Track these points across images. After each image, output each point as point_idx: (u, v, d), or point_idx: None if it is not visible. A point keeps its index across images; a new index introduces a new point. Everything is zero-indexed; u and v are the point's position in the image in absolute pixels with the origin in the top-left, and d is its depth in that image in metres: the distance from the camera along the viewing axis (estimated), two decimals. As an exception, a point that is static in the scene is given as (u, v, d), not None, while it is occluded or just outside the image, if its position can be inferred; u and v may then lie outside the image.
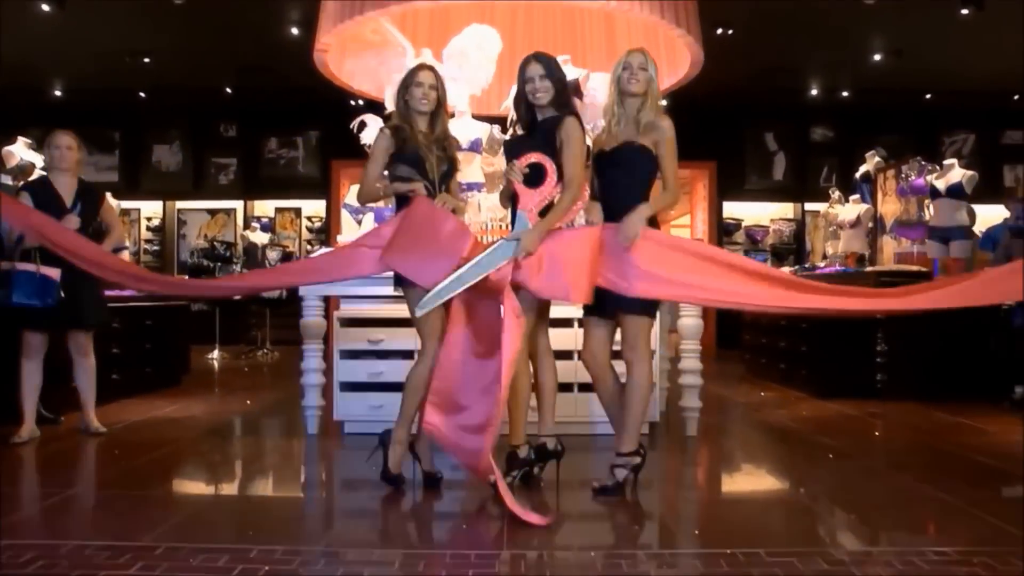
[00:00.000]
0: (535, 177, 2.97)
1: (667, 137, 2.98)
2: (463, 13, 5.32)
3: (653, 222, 2.90)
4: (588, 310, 3.04)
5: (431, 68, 3.17)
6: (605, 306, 2.98)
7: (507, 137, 4.81)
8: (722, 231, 10.81)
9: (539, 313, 2.96)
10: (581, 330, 4.03)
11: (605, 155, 3.01)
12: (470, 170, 4.77)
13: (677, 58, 5.05)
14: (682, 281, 2.84)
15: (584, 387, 4.07)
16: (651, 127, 2.99)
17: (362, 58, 5.24)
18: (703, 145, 9.94)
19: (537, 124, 3.06)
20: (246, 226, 10.44)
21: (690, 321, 4.13)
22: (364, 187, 3.12)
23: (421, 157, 3.06)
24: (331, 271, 3.20)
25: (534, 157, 2.96)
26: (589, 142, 3.25)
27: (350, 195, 5.33)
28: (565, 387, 3.94)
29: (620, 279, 2.84)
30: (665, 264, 2.83)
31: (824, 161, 10.88)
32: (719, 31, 7.89)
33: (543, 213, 2.93)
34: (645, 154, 2.99)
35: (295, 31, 8.16)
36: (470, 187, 4.71)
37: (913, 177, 7.26)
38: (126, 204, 10.39)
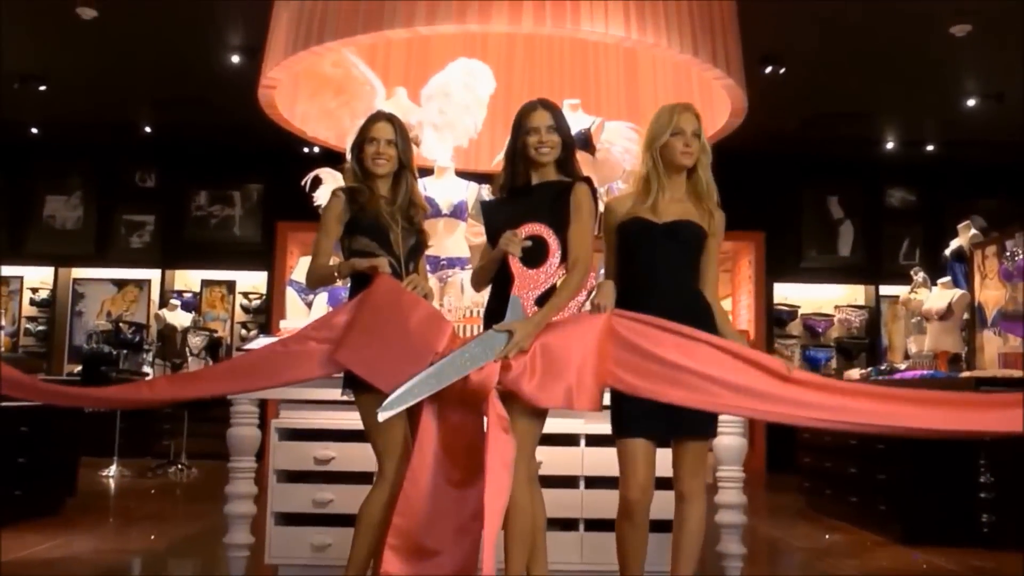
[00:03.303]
0: (534, 254, 3.02)
1: (720, 235, 3.17)
2: (448, 45, 5.40)
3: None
4: (629, 428, 3.01)
5: (390, 119, 3.24)
6: (656, 422, 2.97)
7: (487, 197, 4.80)
8: (773, 320, 10.77)
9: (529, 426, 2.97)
10: (588, 449, 3.93)
11: (651, 226, 3.11)
12: (452, 241, 4.81)
13: (714, 103, 5.14)
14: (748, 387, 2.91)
15: (595, 525, 4.00)
16: (707, 215, 3.16)
17: (319, 98, 5.34)
18: (748, 210, 9.73)
19: (533, 188, 3.13)
20: (163, 303, 10.42)
21: (732, 441, 3.90)
22: (314, 266, 3.17)
23: (383, 227, 3.12)
24: (266, 374, 3.15)
25: (536, 228, 3.04)
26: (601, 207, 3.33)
27: (299, 269, 5.36)
28: (567, 524, 3.87)
29: (674, 386, 2.89)
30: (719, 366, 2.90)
31: (904, 233, 10.69)
32: (768, 69, 8.01)
33: (541, 301, 2.99)
34: (702, 234, 3.13)
35: (236, 59, 8.12)
36: (451, 263, 4.76)
37: (1021, 255, 7.27)
38: (5, 270, 10.33)
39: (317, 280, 3.23)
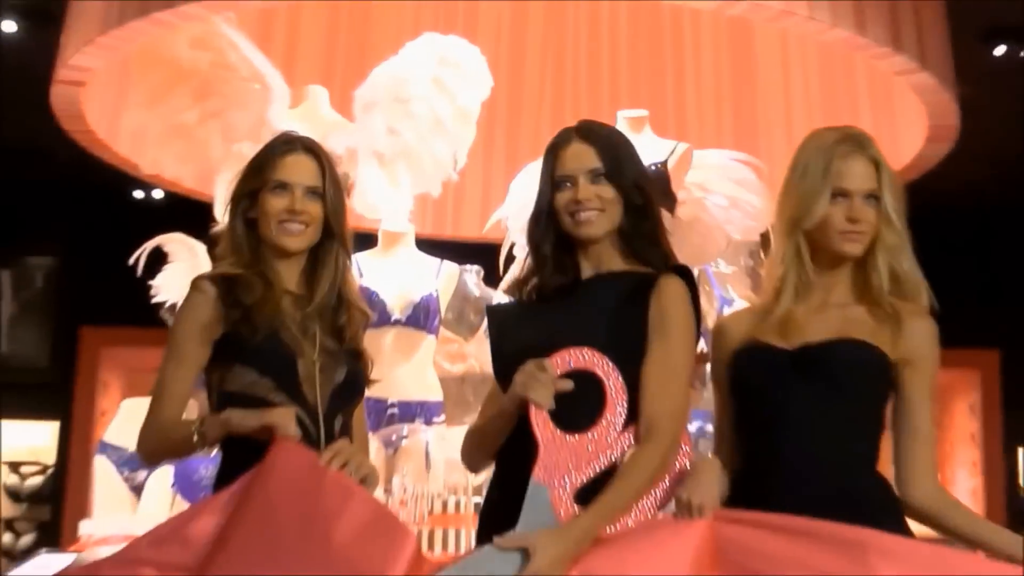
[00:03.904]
0: (577, 405, 2.97)
1: (928, 362, 3.14)
2: (403, 11, 5.55)
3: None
4: None
5: (312, 148, 3.29)
6: None
7: (499, 295, 4.87)
8: (1019, 514, 10.93)
9: None
10: None
11: (774, 354, 3.13)
12: (409, 371, 4.88)
13: (897, 119, 5.20)
14: None
15: None
16: (890, 326, 3.07)
17: (166, 103, 5.36)
18: (965, 313, 9.64)
19: (580, 285, 3.18)
20: None
21: None
22: (156, 419, 3.13)
23: (287, 350, 3.14)
24: None
25: (582, 359, 3.04)
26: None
27: (121, 422, 5.40)
28: None
29: None
30: None
31: None
32: (999, 49, 7.80)
33: (588, 493, 2.94)
34: (880, 363, 3.10)
35: (7, 27, 8.14)
36: (409, 411, 4.84)
37: None
38: None
39: (160, 446, 3.11)
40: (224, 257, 3.21)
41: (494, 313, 3.47)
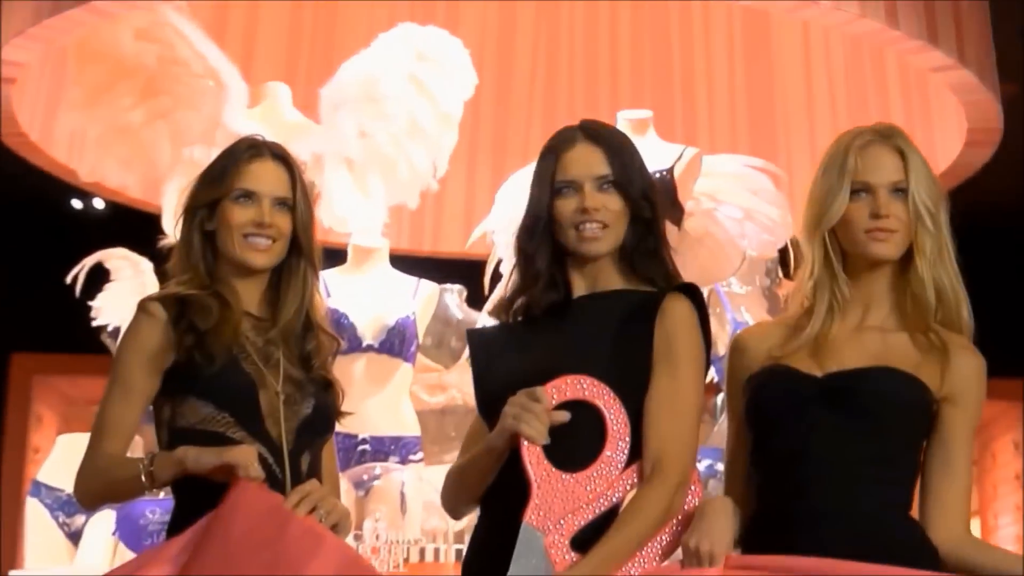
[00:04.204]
0: (574, 440, 2.97)
1: (972, 400, 3.06)
2: (380, 3, 5.57)
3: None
4: None
5: (281, 155, 3.30)
6: None
7: (484, 317, 4.89)
8: None
9: None
10: None
11: (800, 381, 3.11)
12: (381, 404, 4.89)
13: (934, 121, 5.23)
14: None
15: None
16: (947, 353, 2.99)
17: (107, 101, 5.36)
18: (1008, 341, 10.06)
19: (575, 306, 3.17)
20: None
21: None
22: (98, 457, 3.12)
23: (246, 380, 3.14)
24: None
25: (579, 388, 3.06)
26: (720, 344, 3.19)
27: (56, 460, 5.42)
28: None
29: None
30: None
31: None
32: None
33: (585, 539, 2.99)
34: (922, 398, 3.09)
35: None
36: (382, 449, 4.85)
37: None
38: None
39: (102, 487, 3.10)
40: (176, 275, 3.19)
41: (476, 338, 3.44)
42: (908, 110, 5.17)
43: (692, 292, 3.07)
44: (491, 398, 3.08)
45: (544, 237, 3.12)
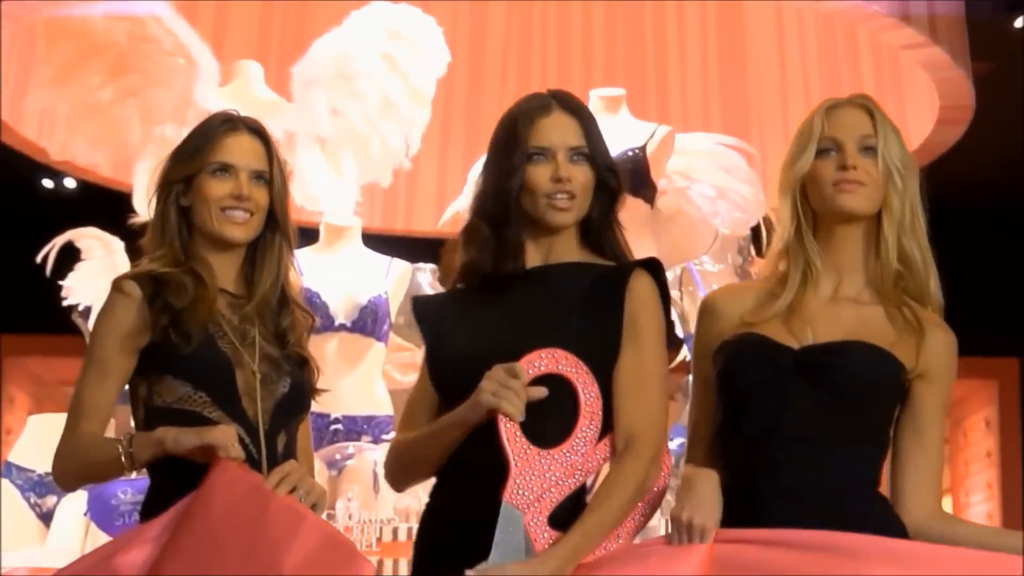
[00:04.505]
0: (548, 416, 2.93)
1: (944, 376, 3.07)
2: None
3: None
4: None
5: (257, 129, 3.28)
6: None
7: (431, 286, 4.92)
8: None
9: None
10: None
11: (777, 352, 3.10)
12: (354, 383, 4.90)
13: (906, 100, 5.25)
14: None
15: None
16: (921, 331, 3.00)
17: (77, 79, 5.36)
18: (984, 319, 10.06)
19: (537, 275, 3.14)
20: None
21: None
22: (74, 437, 3.10)
23: (223, 359, 3.12)
24: None
25: (554, 361, 2.98)
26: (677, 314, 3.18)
27: (28, 440, 5.44)
28: None
29: None
30: None
31: None
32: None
33: (565, 517, 2.98)
34: (897, 376, 3.10)
35: None
36: (354, 427, 4.85)
37: None
38: None
39: (80, 468, 3.08)
40: (150, 251, 3.18)
41: (423, 306, 3.39)
42: (881, 87, 5.19)
43: (655, 268, 3.08)
44: (448, 369, 3.07)
45: (514, 203, 3.10)
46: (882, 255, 3.11)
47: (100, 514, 4.67)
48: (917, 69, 4.93)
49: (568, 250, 3.12)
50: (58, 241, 5.12)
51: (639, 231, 4.80)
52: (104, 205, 5.41)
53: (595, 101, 4.96)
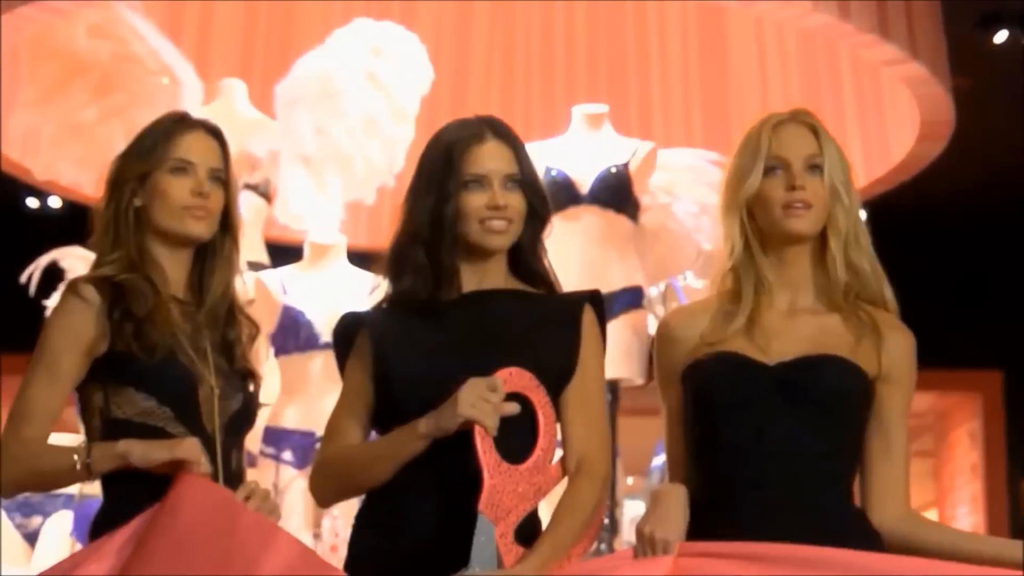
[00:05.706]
0: (513, 433, 2.91)
1: (905, 378, 3.18)
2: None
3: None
4: None
5: (211, 128, 3.11)
6: None
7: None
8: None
9: None
10: None
11: (757, 370, 3.12)
12: (313, 395, 4.74)
13: (887, 116, 5.26)
14: None
15: None
16: (879, 334, 3.02)
17: (62, 99, 5.37)
18: (967, 331, 9.60)
19: (470, 301, 3.10)
20: None
21: None
22: (22, 445, 3.04)
23: (184, 373, 3.07)
24: None
25: (521, 380, 2.91)
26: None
27: None
28: None
29: None
30: None
31: None
32: (1000, 36, 7.36)
33: (525, 533, 2.97)
34: (866, 388, 3.11)
35: None
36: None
37: None
38: None
39: (25, 475, 3.00)
40: (103, 253, 3.14)
41: (375, 321, 3.41)
42: (861, 104, 5.20)
43: (598, 302, 3.14)
44: (404, 389, 3.05)
45: (450, 229, 3.12)
46: (830, 270, 3.13)
47: (86, 534, 4.61)
48: (898, 85, 4.95)
49: (499, 275, 3.16)
50: (42, 261, 5.11)
51: (623, 247, 4.80)
52: (89, 225, 5.43)
53: (578, 117, 4.97)
